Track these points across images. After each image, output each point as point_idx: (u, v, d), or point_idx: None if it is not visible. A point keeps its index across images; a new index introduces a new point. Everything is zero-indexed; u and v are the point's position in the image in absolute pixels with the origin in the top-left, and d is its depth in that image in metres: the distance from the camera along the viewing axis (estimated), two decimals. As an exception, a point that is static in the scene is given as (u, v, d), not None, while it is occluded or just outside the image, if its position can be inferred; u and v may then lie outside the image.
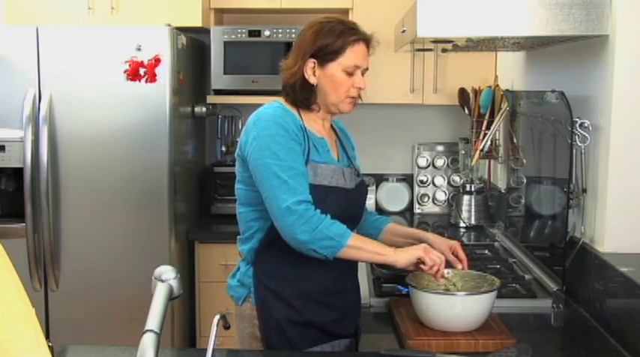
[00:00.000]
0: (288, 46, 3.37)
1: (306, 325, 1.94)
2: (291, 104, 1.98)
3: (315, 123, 2.00)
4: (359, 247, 1.84)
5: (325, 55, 1.91)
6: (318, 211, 1.83)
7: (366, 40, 1.96)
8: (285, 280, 1.94)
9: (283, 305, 1.94)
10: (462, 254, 2.02)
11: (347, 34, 1.91)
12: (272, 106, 1.96)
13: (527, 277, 2.37)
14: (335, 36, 1.91)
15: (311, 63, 1.93)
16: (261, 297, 1.95)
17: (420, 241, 2.05)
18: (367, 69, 1.97)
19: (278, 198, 1.82)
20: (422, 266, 1.86)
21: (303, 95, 1.95)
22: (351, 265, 2.05)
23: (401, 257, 1.86)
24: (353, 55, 1.92)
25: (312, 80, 1.93)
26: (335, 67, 1.92)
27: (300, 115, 1.96)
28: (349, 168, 2.03)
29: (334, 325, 1.99)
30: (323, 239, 1.80)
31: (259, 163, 1.86)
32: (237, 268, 2.06)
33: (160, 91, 3.07)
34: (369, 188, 3.71)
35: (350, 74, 1.92)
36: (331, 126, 2.11)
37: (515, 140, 2.92)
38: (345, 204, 1.96)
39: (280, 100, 2.00)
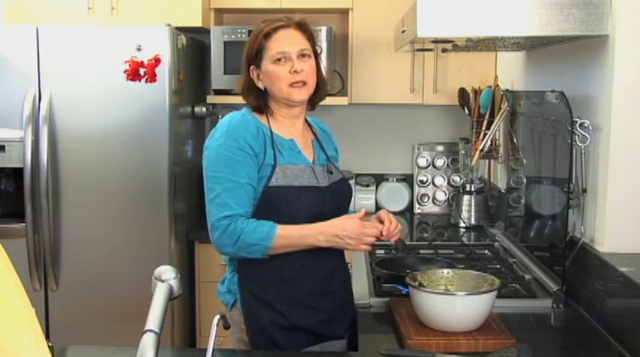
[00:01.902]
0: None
1: (292, 329, 1.95)
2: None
3: (283, 125, 2.01)
4: (284, 246, 1.89)
5: (256, 58, 1.97)
6: (241, 220, 1.87)
7: (285, 26, 1.97)
8: (269, 284, 1.95)
9: (268, 310, 1.94)
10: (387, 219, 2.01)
11: (263, 30, 1.96)
12: (235, 113, 2.00)
13: (527, 277, 2.37)
14: (255, 37, 1.98)
15: (254, 71, 1.99)
16: (247, 303, 1.96)
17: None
18: (305, 50, 1.96)
19: (209, 213, 1.92)
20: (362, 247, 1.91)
21: (257, 101, 1.99)
22: (338, 264, 2.05)
23: (321, 240, 1.89)
24: (274, 44, 1.95)
25: (260, 85, 1.98)
26: (266, 64, 1.95)
27: (267, 119, 1.99)
28: (321, 166, 2.02)
29: (322, 327, 1.98)
30: (247, 247, 1.87)
31: (205, 174, 1.94)
32: (225, 275, 2.07)
33: (160, 91, 3.07)
34: (368, 188, 3.77)
35: (280, 62, 1.93)
36: (310, 127, 2.12)
37: (515, 140, 2.92)
38: (321, 203, 1.96)
39: None
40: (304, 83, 1.95)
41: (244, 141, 1.90)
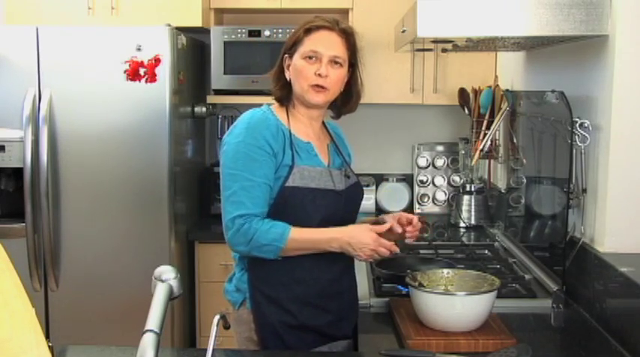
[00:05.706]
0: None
1: (302, 328, 1.95)
2: (280, 106, 2.01)
3: (302, 125, 2.00)
4: (296, 248, 1.89)
5: (291, 48, 1.97)
6: (256, 220, 1.86)
7: (329, 28, 1.95)
8: (279, 284, 1.94)
9: (278, 310, 1.94)
10: (409, 217, 1.98)
11: (306, 25, 1.96)
12: (256, 110, 1.99)
13: (527, 277, 2.37)
14: (297, 29, 1.98)
15: (286, 60, 1.98)
16: (257, 302, 1.95)
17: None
18: (338, 58, 1.94)
19: (225, 211, 1.90)
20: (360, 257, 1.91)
21: (281, 91, 1.99)
22: (347, 265, 2.05)
23: (334, 247, 1.89)
24: (310, 41, 1.94)
25: (287, 75, 1.98)
26: (297, 57, 1.95)
27: (288, 119, 1.98)
28: (338, 170, 2.02)
29: (331, 328, 1.99)
30: (260, 247, 1.87)
31: (222, 171, 1.93)
32: (233, 273, 2.07)
33: (160, 91, 3.07)
34: (368, 188, 3.76)
35: (310, 60, 1.92)
36: (327, 130, 2.11)
37: (515, 140, 2.92)
38: (336, 206, 1.96)
39: (273, 104, 2.03)
40: (325, 89, 1.94)
41: (264, 139, 1.89)
